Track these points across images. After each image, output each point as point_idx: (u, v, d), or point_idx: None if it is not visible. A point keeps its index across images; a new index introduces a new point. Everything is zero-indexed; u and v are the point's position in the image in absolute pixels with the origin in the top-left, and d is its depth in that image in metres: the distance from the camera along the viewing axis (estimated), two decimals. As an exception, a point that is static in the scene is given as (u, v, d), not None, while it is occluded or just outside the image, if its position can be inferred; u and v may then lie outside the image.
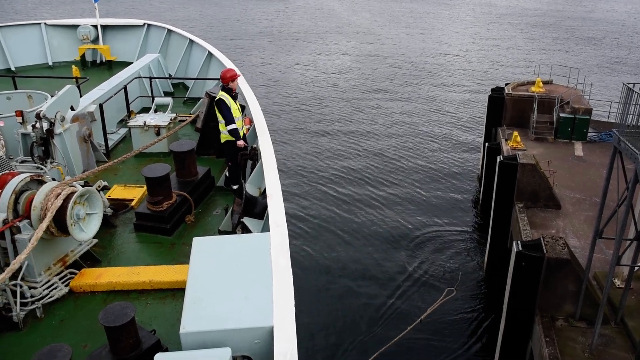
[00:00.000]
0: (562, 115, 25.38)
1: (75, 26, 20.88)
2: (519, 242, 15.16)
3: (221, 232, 8.77)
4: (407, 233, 23.86)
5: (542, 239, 15.08)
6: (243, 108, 11.20)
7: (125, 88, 14.07)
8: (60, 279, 7.35)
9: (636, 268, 14.28)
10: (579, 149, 24.58)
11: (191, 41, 19.28)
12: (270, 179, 8.02)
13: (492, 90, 28.63)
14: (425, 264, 21.71)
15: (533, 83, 28.79)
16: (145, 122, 12.25)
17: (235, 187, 9.81)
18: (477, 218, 25.46)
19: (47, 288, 7.13)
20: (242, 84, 12.20)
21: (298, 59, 56.62)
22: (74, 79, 15.16)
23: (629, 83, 12.88)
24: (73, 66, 17.52)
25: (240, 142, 9.82)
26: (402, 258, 22.07)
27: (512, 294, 15.14)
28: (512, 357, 15.74)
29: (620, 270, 15.57)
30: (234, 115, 9.87)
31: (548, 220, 19.11)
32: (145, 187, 9.34)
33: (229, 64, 15.06)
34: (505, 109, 27.16)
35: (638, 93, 12.45)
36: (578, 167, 23.07)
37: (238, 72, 10.42)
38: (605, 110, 27.81)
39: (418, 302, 19.13)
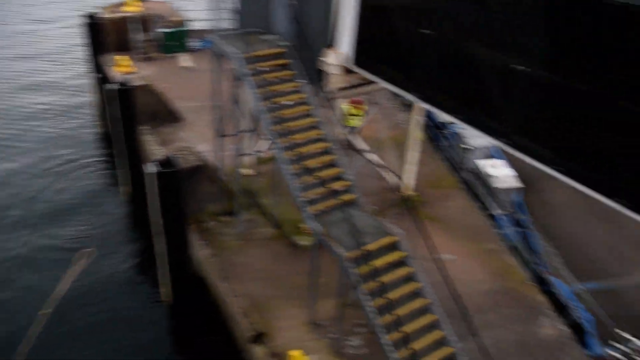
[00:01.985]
0: (162, 31, 25.70)
1: None
2: (153, 162, 15.27)
3: None
4: (31, 202, 21.51)
5: (173, 153, 15.53)
6: None
7: None
8: None
9: (257, 154, 16.14)
10: (185, 60, 25.53)
11: None
12: None
13: (87, 17, 26.85)
14: (64, 227, 20.14)
15: (127, 3, 28.05)
16: None
17: None
18: (105, 156, 24.59)
19: None
20: None
21: None
22: None
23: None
24: None
25: None
26: (43, 230, 19.94)
27: (163, 214, 15.39)
28: (181, 274, 16.20)
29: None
30: None
31: (174, 134, 19.68)
32: None
33: None
34: (105, 35, 25.98)
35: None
36: (189, 77, 24.00)
37: None
38: (202, 18, 29.02)
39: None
